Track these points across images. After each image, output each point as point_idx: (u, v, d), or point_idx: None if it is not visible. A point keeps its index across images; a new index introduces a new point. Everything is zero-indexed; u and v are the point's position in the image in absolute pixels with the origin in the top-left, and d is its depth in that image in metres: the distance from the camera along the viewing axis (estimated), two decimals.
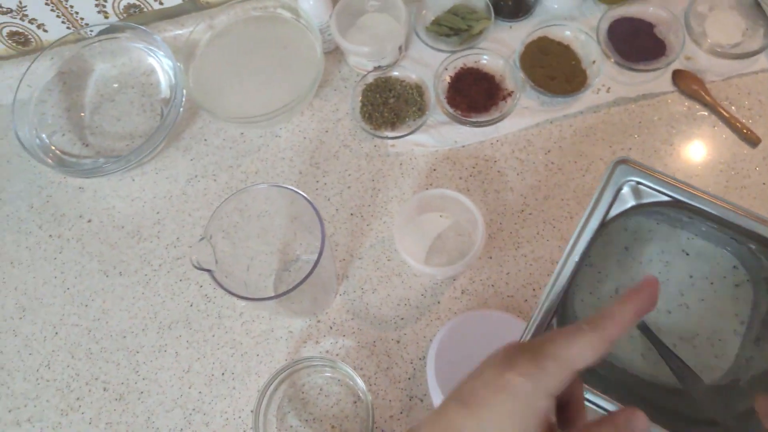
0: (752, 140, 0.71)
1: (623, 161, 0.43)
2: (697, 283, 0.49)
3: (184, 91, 0.73)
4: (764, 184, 0.70)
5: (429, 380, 0.61)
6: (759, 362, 0.46)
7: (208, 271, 0.54)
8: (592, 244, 0.44)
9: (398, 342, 0.65)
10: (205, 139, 0.76)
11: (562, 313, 0.46)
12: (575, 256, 0.44)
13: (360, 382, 0.60)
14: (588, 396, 0.42)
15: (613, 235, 0.50)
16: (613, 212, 0.44)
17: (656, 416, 0.40)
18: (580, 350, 0.31)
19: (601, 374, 0.47)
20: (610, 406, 0.42)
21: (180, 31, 0.80)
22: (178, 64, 0.72)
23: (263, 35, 0.76)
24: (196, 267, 0.53)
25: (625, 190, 0.43)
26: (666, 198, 0.43)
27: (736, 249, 0.47)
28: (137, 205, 0.74)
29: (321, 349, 0.65)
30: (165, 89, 0.78)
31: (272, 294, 0.68)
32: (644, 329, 0.49)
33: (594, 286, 0.51)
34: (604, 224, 0.43)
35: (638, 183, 0.43)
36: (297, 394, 0.64)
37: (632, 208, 0.43)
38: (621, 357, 0.50)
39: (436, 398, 0.61)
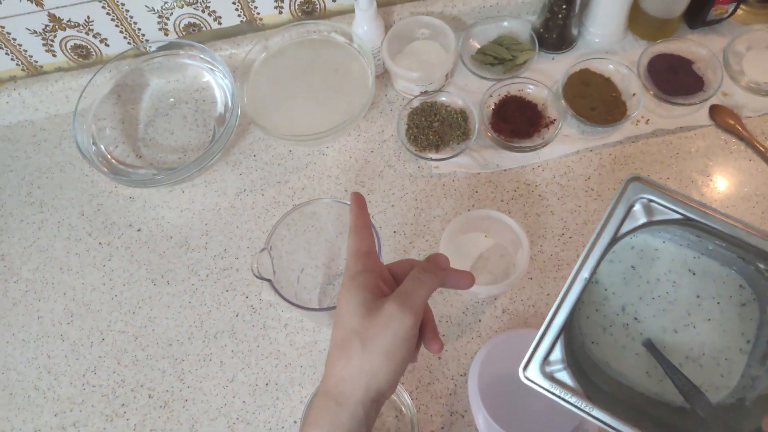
0: None
1: (636, 179, 0.43)
2: (704, 302, 0.48)
3: (239, 109, 0.73)
4: None
5: (471, 396, 0.60)
6: (765, 381, 0.45)
7: (268, 280, 0.53)
8: (601, 260, 0.43)
9: (440, 358, 0.64)
10: (255, 155, 0.77)
11: (570, 330, 0.46)
12: (585, 273, 0.43)
13: (405, 395, 0.59)
14: (594, 413, 0.42)
15: (619, 254, 0.50)
16: (624, 229, 0.43)
17: None
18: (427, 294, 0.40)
19: (608, 392, 0.46)
20: (615, 423, 0.41)
21: (235, 51, 0.81)
22: (234, 82, 0.73)
23: (316, 57, 0.77)
24: (256, 276, 0.52)
25: (637, 207, 0.43)
26: (677, 216, 0.42)
27: (743, 268, 0.47)
28: (186, 216, 0.74)
29: None
30: (219, 106, 0.78)
31: (317, 307, 0.67)
32: (650, 347, 0.48)
33: (600, 303, 0.50)
34: (615, 240, 0.43)
35: (650, 200, 0.43)
36: None
37: (643, 225, 0.43)
38: (627, 374, 0.49)
39: (478, 414, 0.59)
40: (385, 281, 0.41)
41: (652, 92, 0.73)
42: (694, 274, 0.49)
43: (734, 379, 0.47)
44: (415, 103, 0.75)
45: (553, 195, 0.71)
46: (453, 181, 0.73)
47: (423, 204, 0.72)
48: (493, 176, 0.73)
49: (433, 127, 0.73)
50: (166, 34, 0.80)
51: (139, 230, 0.73)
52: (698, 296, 0.49)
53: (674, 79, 0.73)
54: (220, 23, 0.79)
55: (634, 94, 0.72)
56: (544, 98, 0.73)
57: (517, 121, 0.72)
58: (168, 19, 0.78)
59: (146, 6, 0.76)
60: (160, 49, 0.78)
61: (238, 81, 0.73)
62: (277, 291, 0.53)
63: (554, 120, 0.72)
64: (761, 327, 0.47)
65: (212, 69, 0.78)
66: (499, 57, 0.76)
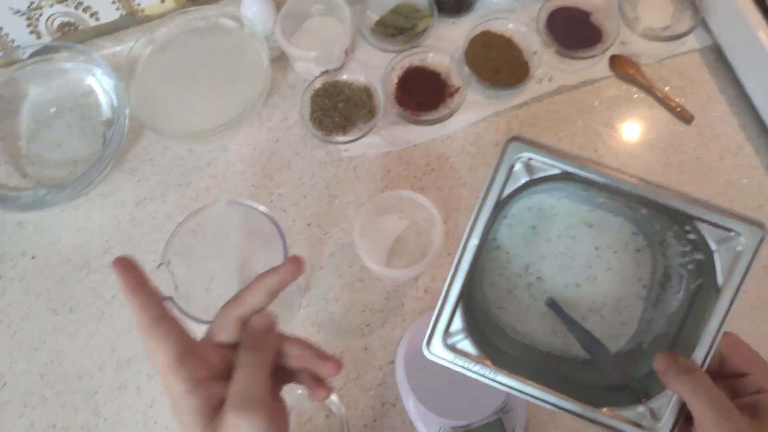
0: (686, 118, 0.65)
1: (515, 138, 0.40)
2: (603, 253, 0.46)
3: (128, 111, 0.62)
4: (700, 158, 0.64)
5: (399, 384, 0.53)
6: (658, 324, 0.43)
7: (169, 298, 0.44)
8: (491, 225, 0.40)
9: (366, 349, 0.56)
10: (151, 159, 0.65)
11: (469, 298, 0.42)
12: (474, 239, 0.40)
13: (333, 396, 0.51)
14: (499, 378, 0.39)
15: (518, 216, 0.46)
16: (508, 190, 0.40)
17: (569, 388, 0.40)
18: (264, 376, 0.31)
19: (513, 355, 0.43)
20: (519, 386, 0.39)
21: (119, 48, 0.67)
22: (119, 82, 0.61)
23: (207, 46, 0.64)
24: None
25: (518, 166, 0.40)
26: (556, 170, 0.40)
27: (632, 216, 0.44)
28: (84, 236, 0.62)
29: None
30: (106, 110, 0.65)
31: None
32: (552, 305, 0.45)
33: (503, 267, 0.47)
34: (500, 203, 0.40)
35: (530, 159, 0.40)
36: None
37: (525, 184, 0.40)
38: (532, 335, 0.46)
39: (408, 400, 0.53)
40: (216, 369, 0.31)
41: (553, 48, 0.65)
42: (591, 226, 0.46)
43: (633, 326, 0.45)
44: (317, 84, 0.64)
45: (464, 165, 0.63)
46: (364, 162, 0.64)
47: (336, 190, 0.63)
48: (404, 153, 0.64)
49: (338, 108, 0.63)
50: (39, 37, 0.66)
51: (33, 258, 0.61)
52: (597, 248, 0.46)
53: (573, 32, 0.66)
54: (97, 19, 0.65)
55: (535, 52, 0.64)
56: (446, 66, 0.64)
57: (422, 93, 0.63)
58: (37, 20, 0.64)
59: (10, 8, 0.62)
60: (33, 54, 0.64)
61: (123, 80, 0.61)
62: (179, 308, 0.44)
63: (458, 88, 0.63)
64: (654, 271, 0.45)
65: (94, 70, 0.64)
66: (398, 27, 0.66)
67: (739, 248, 0.37)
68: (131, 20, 0.68)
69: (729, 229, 0.38)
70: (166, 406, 0.54)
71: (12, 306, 0.59)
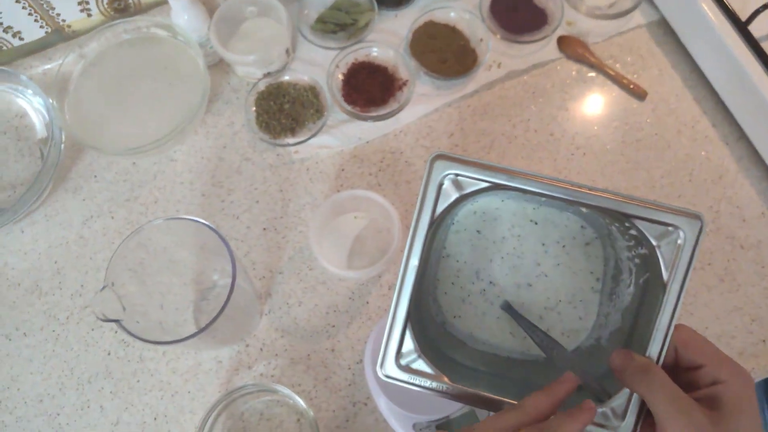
0: (639, 94, 0.74)
1: (439, 156, 0.43)
2: (550, 248, 0.50)
3: (62, 129, 0.68)
4: (656, 134, 0.73)
5: (369, 383, 0.61)
6: (614, 318, 0.48)
7: (116, 321, 0.50)
8: (429, 244, 0.44)
9: (333, 350, 0.64)
10: (95, 176, 0.72)
11: (418, 317, 0.46)
12: (414, 260, 0.44)
13: (299, 400, 0.59)
14: (456, 393, 0.43)
15: (463, 222, 0.50)
16: (441, 207, 0.43)
17: (527, 392, 0.42)
18: None
19: (471, 367, 0.48)
20: (476, 397, 0.43)
21: (49, 66, 0.74)
22: (51, 101, 0.67)
23: (140, 58, 0.72)
24: (101, 319, 0.49)
25: (447, 184, 0.43)
26: (486, 184, 0.43)
27: (577, 210, 0.48)
28: (32, 258, 0.68)
29: (255, 374, 0.63)
30: (41, 129, 0.72)
31: (193, 327, 0.65)
32: (506, 308, 0.49)
33: (455, 276, 0.51)
34: (434, 222, 0.43)
35: (457, 175, 0.43)
36: (237, 424, 0.61)
37: (456, 200, 0.43)
38: (491, 341, 0.50)
39: (379, 399, 0.60)
40: None
41: (499, 34, 0.74)
42: (536, 223, 0.50)
43: (591, 319, 0.50)
44: (261, 87, 0.72)
45: (419, 159, 0.71)
46: (317, 163, 0.71)
47: (290, 194, 0.70)
48: (356, 151, 0.72)
49: (284, 110, 0.71)
50: None
51: None
52: (543, 244, 0.50)
53: (517, 16, 0.74)
54: (21, 39, 0.72)
55: (481, 40, 0.72)
56: (392, 59, 0.72)
57: (370, 89, 0.71)
58: None
59: None
60: None
61: (55, 99, 0.67)
62: (127, 331, 0.50)
63: (406, 81, 0.71)
64: (606, 263, 0.49)
65: (23, 91, 0.71)
66: (339, 23, 0.74)
67: (679, 242, 0.41)
68: (59, 37, 0.75)
69: (667, 224, 0.41)
70: (131, 424, 0.61)
71: None
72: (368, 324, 0.65)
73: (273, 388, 0.59)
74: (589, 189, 0.42)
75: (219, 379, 0.63)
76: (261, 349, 0.64)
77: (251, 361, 0.63)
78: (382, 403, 0.61)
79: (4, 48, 0.73)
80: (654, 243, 0.42)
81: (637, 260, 0.45)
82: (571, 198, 0.43)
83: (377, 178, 0.71)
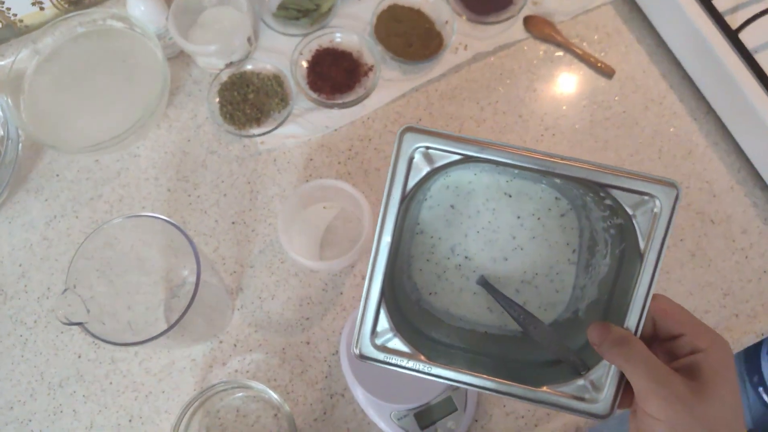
0: (607, 72, 0.74)
1: (408, 129, 0.42)
2: (525, 221, 0.50)
3: (18, 128, 0.66)
4: (624, 112, 0.74)
5: (345, 374, 0.61)
6: (590, 290, 0.48)
7: (79, 324, 0.50)
8: (402, 220, 0.43)
9: (308, 343, 0.64)
10: (57, 175, 0.71)
11: (392, 296, 0.46)
12: (386, 236, 0.43)
13: (274, 395, 0.59)
14: (435, 371, 0.44)
15: (436, 197, 0.50)
16: (412, 182, 0.43)
17: (508, 370, 0.43)
18: None
19: (448, 343, 0.48)
20: (459, 376, 0.43)
21: (1, 63, 0.73)
22: (6, 99, 0.66)
23: (97, 52, 0.70)
24: (64, 323, 0.49)
25: (417, 157, 0.43)
26: (457, 156, 0.43)
27: (551, 182, 0.48)
28: None
29: (229, 370, 0.63)
30: None
31: (164, 325, 0.65)
32: (483, 283, 0.49)
33: (430, 252, 0.51)
34: (405, 197, 0.43)
35: (427, 147, 0.42)
36: (214, 422, 0.61)
37: (428, 174, 0.43)
38: (468, 317, 0.51)
39: (356, 390, 0.61)
40: None
41: (464, 16, 0.74)
42: (510, 196, 0.50)
43: (568, 292, 0.50)
44: (223, 78, 0.71)
45: (388, 145, 0.71)
46: (284, 153, 0.71)
47: (257, 185, 0.70)
48: (324, 139, 0.71)
49: (248, 100, 0.70)
50: None
51: None
52: (519, 217, 0.50)
53: None
54: None
55: (447, 22, 0.72)
56: (357, 45, 0.72)
57: (335, 75, 0.71)
58: None
59: None
60: None
61: (10, 97, 0.66)
62: (91, 333, 0.50)
63: (372, 66, 0.71)
64: (581, 234, 0.50)
65: None
66: (302, 8, 0.73)
67: (655, 210, 0.41)
68: (10, 32, 0.73)
69: (643, 193, 0.41)
70: (106, 427, 0.61)
71: None
72: (343, 315, 0.66)
73: (247, 384, 0.59)
74: (562, 159, 0.42)
75: (194, 377, 0.63)
76: (235, 345, 0.64)
77: (225, 357, 0.63)
78: (359, 394, 0.62)
79: None
80: (630, 212, 0.41)
81: (612, 231, 0.45)
82: (544, 168, 0.42)
83: (346, 166, 0.71)
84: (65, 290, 0.51)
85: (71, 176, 0.70)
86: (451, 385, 0.57)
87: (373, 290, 0.44)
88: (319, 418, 0.62)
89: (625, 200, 0.41)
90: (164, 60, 0.66)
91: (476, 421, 0.62)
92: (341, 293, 0.66)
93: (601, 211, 0.46)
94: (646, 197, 0.41)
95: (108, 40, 0.70)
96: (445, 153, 0.43)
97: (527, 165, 0.42)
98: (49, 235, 0.68)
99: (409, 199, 0.44)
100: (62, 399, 0.63)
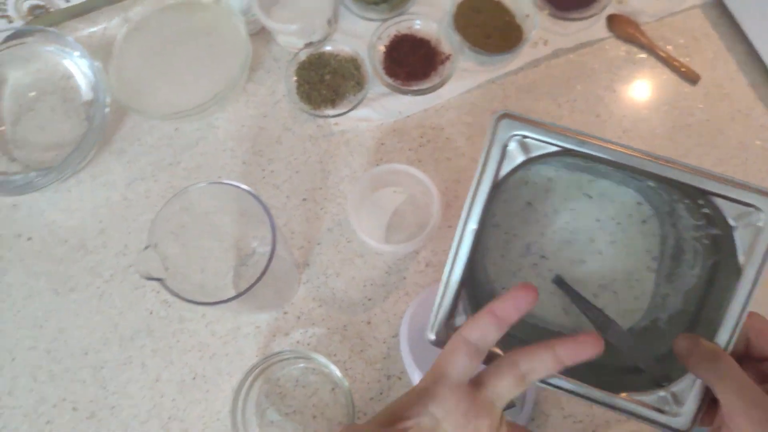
0: (692, 78, 0.73)
1: (505, 115, 0.41)
2: (605, 225, 0.48)
3: (107, 92, 0.70)
4: (708, 120, 0.72)
5: (404, 357, 0.62)
6: (674, 300, 0.47)
7: (159, 280, 0.53)
8: (488, 208, 0.42)
9: (369, 323, 0.66)
10: (139, 139, 0.74)
11: (472, 283, 0.46)
12: (472, 224, 0.42)
13: (334, 369, 0.61)
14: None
15: (513, 192, 0.49)
16: (504, 170, 0.41)
17: (583, 372, 0.41)
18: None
19: (523, 338, 0.47)
20: None
21: (94, 29, 0.76)
22: (96, 63, 0.69)
23: (184, 24, 0.73)
24: (144, 277, 0.52)
25: (512, 145, 0.41)
26: (555, 148, 0.41)
27: (637, 186, 0.47)
28: (78, 217, 0.72)
29: (291, 341, 0.66)
30: (87, 92, 0.75)
31: (233, 291, 0.68)
32: (560, 283, 0.48)
33: (504, 247, 0.50)
34: (497, 185, 0.41)
35: (524, 136, 0.41)
36: (273, 389, 0.65)
37: (523, 163, 0.41)
38: (543, 316, 0.50)
39: (413, 374, 0.62)
40: None
41: (546, 11, 0.73)
42: (591, 198, 0.49)
43: (646, 300, 0.49)
44: (302, 57, 0.73)
45: (460, 135, 0.72)
46: (356, 136, 0.73)
47: (329, 165, 0.72)
48: (396, 125, 0.73)
49: (325, 81, 0.72)
50: (10, 22, 0.75)
51: (30, 239, 0.71)
52: (598, 220, 0.49)
53: None
54: (67, 0, 0.73)
55: (527, 15, 0.72)
56: (435, 33, 0.73)
57: (412, 62, 0.71)
58: (5, 4, 0.72)
59: None
60: (7, 39, 0.73)
61: (101, 62, 0.69)
62: (170, 290, 0.53)
63: (449, 55, 0.72)
64: (663, 242, 0.48)
65: (70, 53, 0.73)
66: None
67: (760, 224, 0.39)
68: (104, 0, 0.75)
69: (748, 204, 0.39)
70: (171, 381, 0.65)
71: (14, 287, 0.70)
72: (405, 299, 0.67)
73: (310, 356, 0.62)
74: (667, 161, 0.40)
75: (257, 344, 0.66)
76: (298, 317, 0.67)
77: (288, 328, 0.66)
78: (416, 379, 0.63)
79: (52, 9, 0.75)
80: (732, 224, 0.39)
81: (705, 241, 0.44)
82: (646, 169, 0.40)
83: (417, 153, 0.72)
84: (147, 247, 0.54)
85: (152, 142, 0.74)
86: None
87: (454, 276, 0.43)
88: (375, 397, 0.64)
89: (729, 210, 0.40)
90: (247, 36, 0.69)
91: (533, 420, 0.63)
92: (404, 278, 0.68)
93: (694, 220, 0.44)
94: (750, 209, 0.39)
95: (194, 13, 0.73)
96: (543, 143, 0.41)
97: (628, 164, 0.41)
98: (128, 195, 0.72)
99: (497, 187, 0.43)
100: (132, 351, 0.67)
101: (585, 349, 0.36)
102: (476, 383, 0.38)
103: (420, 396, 0.38)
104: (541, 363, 0.36)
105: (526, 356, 0.37)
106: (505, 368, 0.37)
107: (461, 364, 0.38)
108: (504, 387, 0.37)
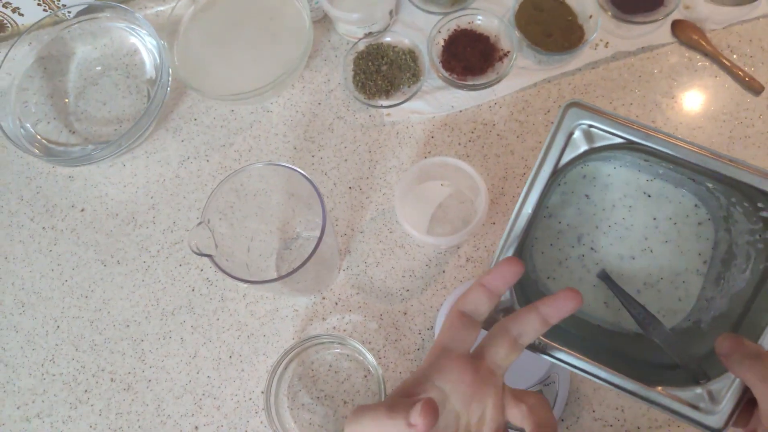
0: (755, 88, 0.71)
1: (574, 104, 0.42)
2: (661, 224, 0.49)
3: (170, 71, 0.72)
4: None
5: None
6: (719, 303, 0.46)
7: (209, 256, 0.54)
8: (546, 194, 0.43)
9: (405, 314, 0.66)
10: (195, 119, 0.76)
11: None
12: (528, 208, 0.42)
13: (369, 356, 0.61)
14: (551, 351, 0.43)
15: (571, 185, 0.49)
16: (566, 158, 0.42)
17: (620, 364, 0.42)
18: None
19: (563, 328, 0.47)
20: (575, 360, 0.43)
21: (161, 8, 0.79)
22: (162, 42, 0.71)
23: (248, 7, 0.75)
24: (195, 252, 0.53)
25: (577, 134, 0.42)
26: (619, 140, 0.41)
27: (695, 188, 0.47)
28: (130, 191, 0.74)
29: (328, 326, 0.66)
30: (150, 69, 0.77)
31: (275, 273, 0.69)
32: (604, 278, 0.48)
33: (554, 238, 0.50)
34: (556, 171, 0.42)
35: (590, 126, 0.42)
36: (307, 372, 0.64)
37: (585, 152, 0.42)
38: (583, 307, 0.49)
39: None
40: None
41: (610, 12, 0.72)
42: (649, 196, 0.49)
43: (691, 302, 0.49)
44: (360, 47, 0.73)
45: (512, 133, 0.71)
46: (407, 128, 0.73)
47: (377, 155, 0.72)
48: (448, 119, 0.72)
49: (381, 71, 0.72)
50: None
51: (82, 210, 0.74)
52: (654, 218, 0.49)
53: None
54: None
55: (591, 16, 0.71)
56: (495, 29, 0.72)
57: (470, 57, 0.71)
58: None
59: None
60: (79, 14, 0.76)
61: (166, 41, 0.71)
62: (219, 266, 0.53)
63: (508, 52, 0.71)
64: (716, 246, 0.48)
65: (137, 30, 0.76)
66: None
67: None
68: None
69: None
70: (208, 358, 0.65)
71: (63, 256, 0.71)
72: (442, 293, 0.67)
73: (346, 341, 0.62)
74: (731, 160, 0.40)
75: (294, 326, 0.66)
76: (336, 303, 0.67)
77: (326, 313, 0.66)
78: None
79: None
80: None
81: (760, 245, 0.43)
82: (711, 167, 0.40)
83: (466, 148, 0.71)
84: (200, 222, 0.55)
85: (208, 122, 0.75)
86: (545, 376, 0.57)
87: (504, 257, 0.43)
88: None
89: None
90: (310, 22, 0.70)
91: (562, 420, 0.61)
92: (443, 271, 0.67)
93: (750, 224, 0.44)
94: None
95: None
96: (608, 134, 0.42)
97: (692, 161, 0.40)
98: (180, 173, 0.74)
99: (556, 176, 0.44)
100: (172, 326, 0.68)
101: (566, 303, 0.37)
102: (475, 356, 0.39)
103: (425, 372, 0.39)
104: (528, 324, 0.38)
105: (515, 321, 0.39)
106: (498, 336, 0.39)
107: (460, 335, 0.39)
108: (500, 354, 0.38)
